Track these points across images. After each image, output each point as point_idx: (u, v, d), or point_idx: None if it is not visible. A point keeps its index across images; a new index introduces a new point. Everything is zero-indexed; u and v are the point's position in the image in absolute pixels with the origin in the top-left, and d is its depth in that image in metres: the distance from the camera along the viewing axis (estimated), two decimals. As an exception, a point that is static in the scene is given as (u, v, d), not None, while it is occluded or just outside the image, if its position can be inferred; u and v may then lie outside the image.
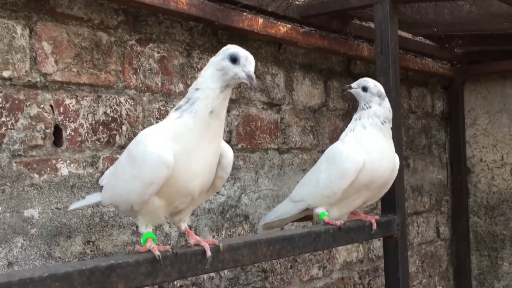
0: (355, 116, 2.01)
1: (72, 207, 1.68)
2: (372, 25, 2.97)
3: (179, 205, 1.42)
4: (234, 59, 1.34)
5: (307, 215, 2.17)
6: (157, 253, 1.33)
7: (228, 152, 1.47)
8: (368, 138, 1.93)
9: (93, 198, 1.65)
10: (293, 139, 2.69)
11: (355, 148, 1.95)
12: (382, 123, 1.95)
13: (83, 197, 1.83)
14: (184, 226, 1.49)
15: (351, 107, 3.07)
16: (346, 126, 2.96)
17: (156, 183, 1.31)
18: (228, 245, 1.48)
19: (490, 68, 3.75)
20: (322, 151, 2.80)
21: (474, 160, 3.96)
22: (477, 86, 3.94)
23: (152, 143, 1.33)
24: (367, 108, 1.97)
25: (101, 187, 1.60)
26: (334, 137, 2.92)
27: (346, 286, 2.97)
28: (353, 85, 2.05)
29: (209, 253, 1.42)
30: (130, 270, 1.25)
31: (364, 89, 1.99)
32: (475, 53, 3.71)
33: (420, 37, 3.43)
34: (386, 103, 2.01)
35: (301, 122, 2.73)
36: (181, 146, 1.33)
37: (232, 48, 1.36)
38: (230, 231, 2.36)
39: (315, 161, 2.76)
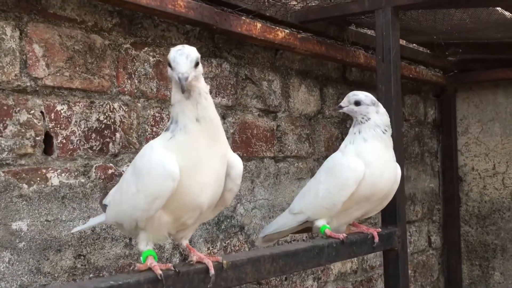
0: (352, 130, 1.94)
1: (76, 229, 1.62)
2: (368, 31, 2.93)
3: (187, 221, 1.34)
4: (169, 65, 1.27)
5: (307, 227, 2.10)
6: (159, 272, 1.25)
7: (237, 162, 1.40)
8: (369, 150, 1.88)
9: (97, 220, 1.58)
10: (289, 147, 2.62)
11: (354, 159, 1.89)
12: (383, 132, 1.89)
13: (74, 208, 1.75)
14: (185, 242, 1.42)
15: (346, 114, 3.01)
16: (342, 134, 2.96)
17: (162, 198, 1.24)
18: (231, 262, 1.41)
19: (483, 76, 3.74)
20: (318, 160, 2.76)
21: (466, 169, 3.94)
22: (469, 94, 3.93)
23: (157, 156, 1.27)
24: (366, 120, 1.91)
25: (105, 206, 1.53)
26: (329, 145, 2.87)
27: (340, 297, 2.92)
28: (343, 104, 1.98)
29: (212, 271, 1.35)
30: (131, 292, 1.17)
31: (357, 103, 1.94)
32: (468, 61, 3.69)
33: (414, 45, 3.40)
34: (382, 108, 1.97)
35: (297, 130, 2.67)
36: (185, 159, 1.27)
37: (169, 53, 1.28)
38: (225, 242, 2.28)
39: (310, 170, 2.71)
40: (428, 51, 3.45)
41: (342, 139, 2.90)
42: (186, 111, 1.27)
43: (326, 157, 2.81)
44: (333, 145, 2.89)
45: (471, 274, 3.93)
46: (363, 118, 1.92)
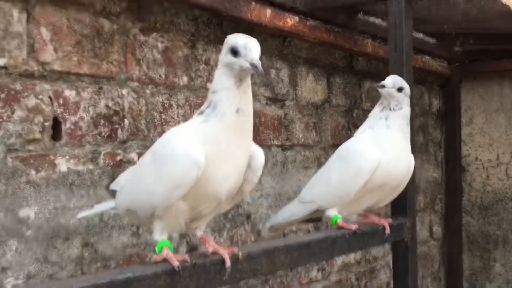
0: (379, 115, 1.90)
1: (81, 214, 1.57)
2: (377, 20, 2.89)
3: (203, 210, 1.31)
4: (234, 52, 1.24)
5: (315, 217, 2.08)
6: (176, 264, 1.22)
7: (259, 154, 1.37)
8: (389, 137, 1.85)
9: (105, 206, 1.54)
10: (296, 136, 2.59)
11: (370, 146, 1.86)
12: (407, 124, 1.87)
13: (82, 196, 1.71)
14: (200, 233, 1.39)
15: (352, 103, 2.98)
16: (348, 123, 2.92)
17: (185, 186, 1.21)
18: (247, 254, 1.37)
19: (488, 67, 3.71)
20: (324, 149, 2.73)
21: (469, 159, 3.92)
22: (474, 85, 3.90)
23: (182, 143, 1.23)
24: (398, 109, 1.88)
25: (113, 192, 1.49)
26: (336, 134, 2.83)
27: None
28: (387, 84, 1.89)
29: (228, 263, 1.31)
30: (148, 284, 1.14)
31: (400, 89, 1.90)
32: (473, 52, 3.65)
33: (420, 34, 3.35)
34: (409, 100, 1.94)
35: (304, 118, 2.63)
36: (212, 148, 1.23)
37: (230, 40, 1.26)
38: (232, 231, 2.25)
39: (317, 159, 2.68)
40: (435, 40, 3.41)
41: (349, 128, 2.89)
42: (230, 100, 1.23)
43: (333, 146, 2.80)
44: (339, 134, 2.86)
45: (472, 265, 3.93)
46: (396, 105, 1.89)
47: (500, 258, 3.82)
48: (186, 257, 1.27)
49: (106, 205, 1.54)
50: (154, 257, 1.27)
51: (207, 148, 1.22)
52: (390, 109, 1.89)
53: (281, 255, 1.51)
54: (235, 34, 1.29)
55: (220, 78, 1.27)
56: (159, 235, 1.32)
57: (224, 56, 1.26)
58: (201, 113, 1.28)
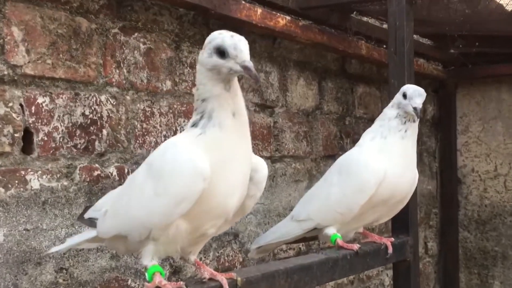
0: (398, 127, 1.88)
1: (52, 250, 1.51)
2: (371, 20, 2.92)
3: (208, 230, 1.28)
4: (221, 53, 1.19)
5: (308, 236, 2.07)
6: (173, 293, 1.19)
7: (262, 164, 1.36)
8: (400, 147, 1.85)
9: (78, 238, 1.48)
10: (286, 146, 2.58)
11: (374, 156, 1.86)
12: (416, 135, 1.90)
13: (56, 215, 1.66)
14: (194, 258, 1.36)
15: (345, 110, 3.00)
16: (340, 132, 2.93)
17: (189, 200, 1.18)
18: (245, 279, 1.36)
19: (486, 71, 3.77)
20: (315, 160, 2.73)
21: (466, 170, 3.98)
22: (470, 90, 3.96)
23: (183, 152, 1.21)
24: (413, 121, 1.90)
25: (90, 220, 1.44)
26: (327, 144, 2.84)
27: (336, 310, 2.90)
28: (419, 105, 1.89)
29: (227, 291, 1.29)
30: (142, 316, 1.11)
31: (404, 95, 1.92)
32: (470, 55, 3.71)
33: (415, 36, 3.40)
34: None
35: (294, 127, 2.63)
36: (215, 157, 1.21)
37: (215, 39, 1.21)
38: (218, 252, 2.22)
39: (308, 171, 2.68)
40: (431, 42, 3.46)
41: (341, 138, 2.91)
42: (225, 106, 1.21)
43: (324, 157, 2.80)
44: (331, 144, 2.87)
45: (469, 283, 3.98)
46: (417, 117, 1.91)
47: (499, 275, 3.88)
48: (182, 284, 1.25)
49: (81, 237, 1.48)
50: (145, 285, 1.24)
51: (210, 157, 1.20)
52: (414, 121, 1.90)
53: (281, 280, 1.49)
54: (218, 31, 1.23)
55: (206, 85, 1.23)
56: (149, 260, 1.29)
57: (208, 57, 1.22)
58: (195, 125, 1.25)
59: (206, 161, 1.19)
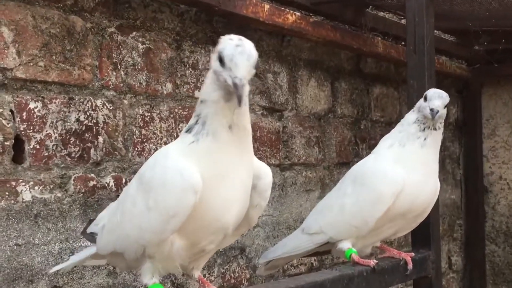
0: (417, 134, 1.90)
1: (54, 269, 1.54)
2: (388, 16, 2.94)
3: (206, 246, 1.31)
4: (221, 60, 1.20)
5: (320, 250, 2.09)
6: (175, 314, 1.22)
7: (265, 171, 1.38)
8: (420, 157, 1.87)
9: (84, 253, 1.51)
10: (297, 153, 2.61)
11: (392, 166, 1.87)
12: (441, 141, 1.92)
13: (49, 229, 1.69)
14: (197, 274, 1.38)
15: (360, 113, 3.02)
16: (355, 137, 2.95)
17: (180, 215, 1.20)
18: (253, 298, 1.37)
19: (514, 69, 3.78)
20: (328, 168, 2.75)
21: (493, 178, 3.99)
22: (497, 90, 3.97)
23: (173, 164, 1.23)
24: (437, 129, 1.93)
25: (92, 235, 1.47)
26: (341, 150, 2.86)
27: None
28: (438, 106, 1.90)
29: (233, 311, 1.31)
30: (143, 338, 1.13)
31: (425, 98, 1.95)
32: (497, 52, 3.71)
33: (437, 31, 3.41)
34: None
35: (305, 132, 2.65)
36: (208, 169, 1.23)
37: (220, 44, 1.22)
38: (223, 268, 2.25)
39: (320, 180, 2.70)
40: (453, 38, 3.47)
41: (356, 143, 2.93)
42: (220, 116, 1.22)
43: (338, 164, 2.82)
44: (345, 150, 2.89)
45: (498, 301, 3.99)
46: (440, 123, 1.94)
47: (530, 293, 3.88)
48: (184, 304, 1.27)
49: (84, 253, 1.51)
50: (148, 305, 1.26)
51: (203, 169, 1.22)
52: (436, 128, 1.92)
53: (292, 299, 1.51)
54: (228, 36, 1.25)
55: (209, 86, 1.25)
56: (149, 278, 1.31)
57: (214, 60, 1.24)
58: (189, 131, 1.27)
59: (197, 174, 1.20)
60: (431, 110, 1.87)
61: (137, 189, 1.30)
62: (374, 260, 1.87)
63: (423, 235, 2.16)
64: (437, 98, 1.89)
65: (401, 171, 1.84)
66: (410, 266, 1.98)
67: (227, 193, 1.26)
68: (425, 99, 1.92)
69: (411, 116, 1.96)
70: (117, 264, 1.46)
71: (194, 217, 1.22)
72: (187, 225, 1.22)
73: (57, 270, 1.57)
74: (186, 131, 1.28)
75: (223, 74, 1.19)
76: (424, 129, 1.91)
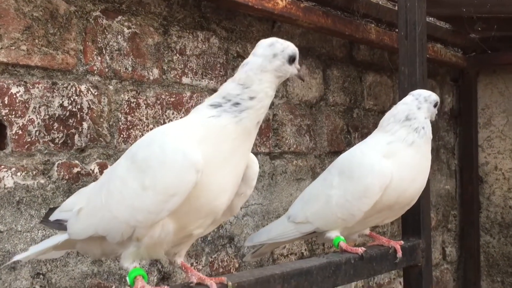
0: (409, 122, 1.92)
1: (16, 258, 1.48)
2: (382, 1, 2.93)
3: (194, 230, 1.31)
4: (293, 60, 1.40)
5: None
6: (158, 298, 1.22)
7: (254, 161, 1.40)
8: (407, 147, 1.87)
9: (43, 245, 1.47)
10: (287, 141, 2.61)
11: (379, 159, 1.87)
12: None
13: (32, 216, 1.69)
14: (180, 260, 1.39)
15: (352, 101, 3.02)
16: (347, 126, 2.96)
17: (180, 194, 1.20)
18: (237, 284, 1.38)
19: (510, 58, 3.78)
20: (320, 156, 2.76)
21: (488, 168, 4.00)
22: (493, 79, 3.98)
23: (173, 141, 1.24)
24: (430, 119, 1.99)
25: (57, 223, 1.43)
26: (333, 139, 2.86)
27: (343, 322, 2.93)
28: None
29: (216, 296, 1.32)
30: (122, 323, 1.13)
31: (436, 105, 2.01)
32: (493, 40, 3.71)
33: (431, 18, 3.41)
34: None
35: (296, 120, 2.66)
36: (212, 150, 1.25)
37: (288, 48, 1.39)
38: (211, 257, 2.25)
39: (311, 169, 2.70)
40: (448, 26, 3.47)
41: (348, 132, 2.93)
42: (263, 110, 1.32)
43: (330, 153, 2.83)
44: (337, 139, 2.89)
45: (492, 293, 4.01)
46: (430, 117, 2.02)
47: (525, 284, 3.91)
48: (167, 288, 1.27)
49: (48, 242, 1.47)
50: (128, 290, 1.27)
51: (206, 149, 1.23)
52: (427, 118, 1.97)
53: (277, 285, 1.52)
54: (281, 41, 1.40)
55: (267, 87, 1.33)
56: (130, 262, 1.31)
57: (281, 65, 1.36)
58: (216, 105, 1.30)
59: (198, 152, 1.22)
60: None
61: (127, 169, 1.28)
62: (363, 248, 1.88)
63: (413, 223, 2.18)
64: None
65: (388, 164, 1.84)
66: (399, 254, 1.99)
67: (223, 178, 1.28)
68: (436, 105, 2.00)
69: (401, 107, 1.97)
70: (90, 251, 1.43)
71: (189, 198, 1.22)
72: (181, 206, 1.23)
73: (19, 260, 1.53)
74: (211, 105, 1.31)
75: (289, 71, 1.39)
76: (415, 129, 1.93)
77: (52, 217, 1.46)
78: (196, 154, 1.21)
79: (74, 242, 1.42)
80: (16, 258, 1.48)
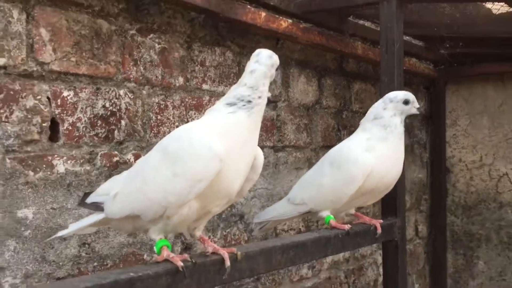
0: (377, 121, 1.91)
1: (58, 234, 1.46)
2: (367, 23, 2.91)
3: (213, 209, 1.32)
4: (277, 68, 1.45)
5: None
6: (180, 264, 1.22)
7: (259, 153, 1.40)
8: (385, 142, 1.86)
9: (81, 223, 1.45)
10: (288, 137, 2.60)
11: (362, 153, 1.87)
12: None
13: (79, 196, 1.68)
14: (199, 233, 1.38)
15: (342, 105, 3.00)
16: (338, 125, 2.94)
17: (206, 180, 1.21)
18: (245, 253, 1.38)
19: (473, 70, 3.75)
20: (315, 150, 2.75)
21: (454, 160, 3.97)
22: (459, 88, 3.94)
23: (199, 136, 1.24)
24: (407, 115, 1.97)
25: (95, 205, 1.42)
26: (326, 135, 2.85)
27: (332, 285, 2.92)
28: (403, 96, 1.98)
29: (228, 263, 1.32)
30: (151, 283, 1.14)
31: (406, 102, 1.97)
32: (459, 55, 3.69)
33: (407, 37, 3.38)
34: None
35: (295, 120, 2.65)
36: (231, 141, 1.25)
37: (278, 60, 1.44)
38: (225, 231, 2.25)
39: (308, 160, 2.69)
40: (422, 44, 3.45)
41: (338, 130, 2.92)
42: (263, 105, 1.34)
43: (323, 147, 2.82)
44: (329, 136, 2.88)
45: (456, 263, 3.99)
46: (405, 117, 2.00)
47: (483, 256, 3.88)
48: (187, 256, 1.27)
49: (86, 221, 1.46)
50: (155, 257, 1.27)
51: (226, 141, 1.24)
52: (402, 121, 1.95)
53: (278, 255, 1.52)
54: (273, 53, 1.43)
55: (266, 86, 1.38)
56: (157, 235, 1.31)
57: (274, 72, 1.42)
58: (232, 104, 1.31)
59: (221, 145, 1.23)
60: (418, 108, 2.00)
61: (160, 160, 1.28)
62: (349, 225, 1.87)
63: (391, 205, 2.16)
64: (415, 99, 2.00)
65: (369, 157, 1.84)
66: (379, 231, 1.98)
67: (239, 164, 1.28)
68: (407, 103, 1.95)
69: (383, 114, 1.94)
70: (123, 227, 1.42)
71: (211, 183, 1.23)
72: (205, 190, 1.23)
73: (62, 236, 1.51)
74: (227, 104, 1.32)
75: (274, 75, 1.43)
76: (383, 126, 1.91)
77: (89, 200, 1.44)
78: (219, 146, 1.22)
79: (109, 221, 1.41)
80: (59, 234, 1.46)
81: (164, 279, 1.18)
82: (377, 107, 1.96)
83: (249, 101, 1.31)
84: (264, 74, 1.36)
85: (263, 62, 1.38)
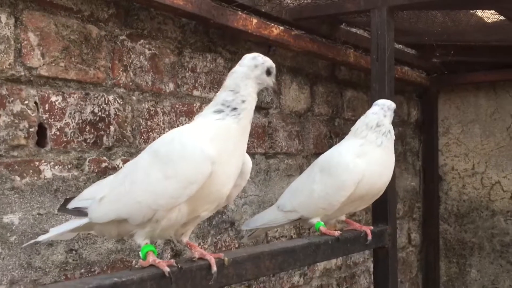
0: (378, 129, 1.90)
1: (39, 239, 1.42)
2: (359, 31, 2.92)
3: (202, 213, 1.30)
4: (269, 72, 1.41)
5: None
6: (167, 269, 1.20)
7: (248, 159, 1.39)
8: (376, 149, 1.86)
9: (62, 228, 1.42)
10: (280, 144, 2.59)
11: (353, 159, 1.86)
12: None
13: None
14: (185, 239, 1.37)
15: (334, 112, 3.00)
16: (330, 132, 2.94)
17: (198, 182, 1.20)
18: (232, 259, 1.37)
19: (465, 78, 3.76)
20: (307, 157, 2.74)
21: (446, 168, 3.97)
22: (451, 96, 3.95)
23: (191, 139, 1.24)
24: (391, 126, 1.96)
25: (77, 210, 1.39)
26: (318, 143, 2.85)
27: (325, 293, 2.90)
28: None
29: (214, 268, 1.30)
30: (134, 289, 1.12)
31: (394, 111, 1.99)
32: (451, 64, 3.70)
33: (400, 45, 3.40)
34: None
35: (287, 127, 2.64)
36: (221, 146, 1.25)
37: (266, 62, 1.40)
38: (216, 238, 2.23)
39: (299, 167, 2.68)
40: (415, 52, 3.45)
41: (330, 137, 2.91)
42: (251, 110, 1.33)
43: (315, 154, 2.80)
44: (321, 143, 2.87)
45: (449, 271, 3.97)
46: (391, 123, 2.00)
47: (476, 264, 3.86)
48: (173, 262, 1.25)
49: (67, 226, 1.42)
50: (140, 262, 1.25)
51: (217, 146, 1.24)
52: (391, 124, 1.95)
53: (266, 260, 1.50)
54: (262, 56, 1.40)
55: (252, 91, 1.35)
56: (142, 240, 1.29)
57: (261, 74, 1.38)
58: (220, 111, 1.30)
59: (212, 148, 1.22)
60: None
61: (150, 162, 1.27)
62: (339, 231, 1.86)
63: (382, 212, 2.15)
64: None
65: (361, 163, 1.83)
66: (369, 237, 1.97)
67: (229, 169, 1.28)
68: (394, 111, 2.00)
69: (374, 122, 1.94)
70: (107, 232, 1.38)
71: (203, 186, 1.22)
72: (196, 192, 1.22)
73: (42, 241, 1.45)
74: (215, 111, 1.31)
75: (267, 81, 1.40)
76: (383, 133, 1.91)
77: (71, 205, 1.41)
78: (211, 149, 1.22)
79: (92, 225, 1.38)
80: (39, 239, 1.42)
81: (148, 284, 1.16)
82: (378, 115, 1.95)
83: (235, 108, 1.30)
84: (244, 75, 1.34)
85: (244, 64, 1.37)
